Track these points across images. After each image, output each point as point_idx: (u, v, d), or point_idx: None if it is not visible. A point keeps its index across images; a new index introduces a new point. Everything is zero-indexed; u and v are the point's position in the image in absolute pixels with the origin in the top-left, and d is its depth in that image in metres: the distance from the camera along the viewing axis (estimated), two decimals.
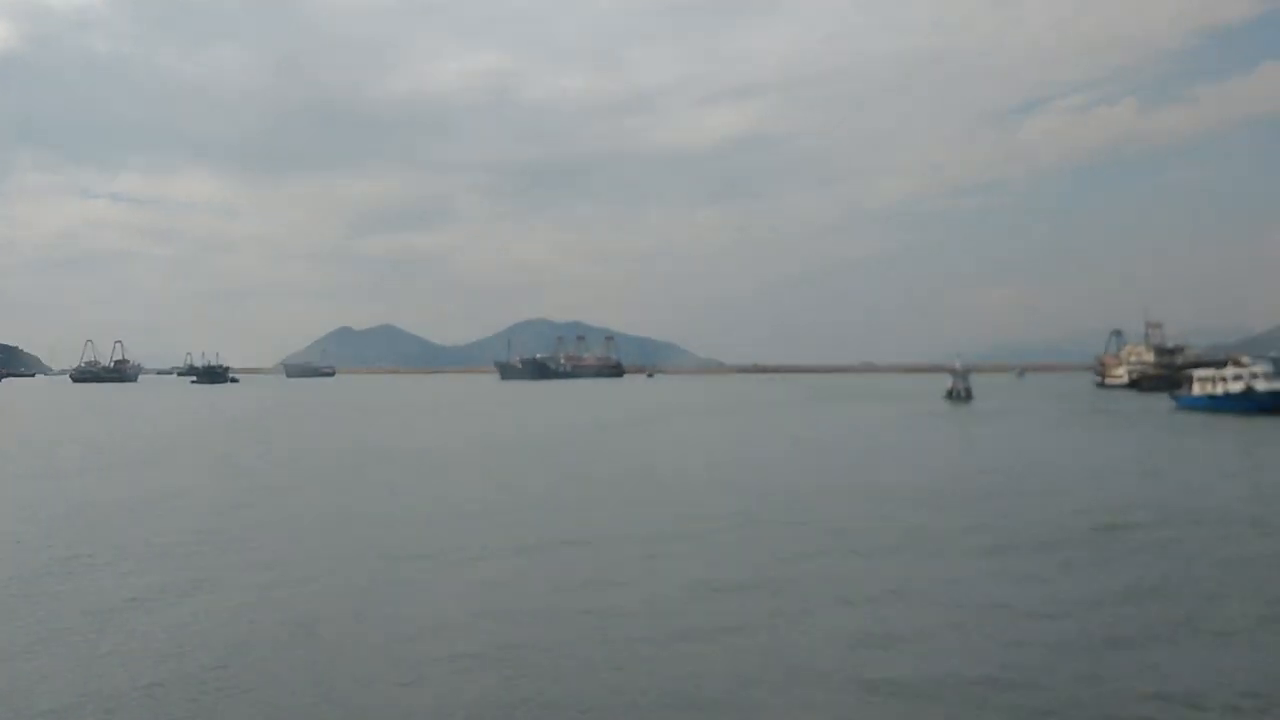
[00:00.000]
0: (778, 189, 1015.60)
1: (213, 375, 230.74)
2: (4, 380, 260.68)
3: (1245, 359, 79.33)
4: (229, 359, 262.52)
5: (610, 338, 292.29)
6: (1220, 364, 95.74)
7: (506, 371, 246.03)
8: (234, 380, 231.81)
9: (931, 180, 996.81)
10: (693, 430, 66.26)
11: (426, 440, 56.44)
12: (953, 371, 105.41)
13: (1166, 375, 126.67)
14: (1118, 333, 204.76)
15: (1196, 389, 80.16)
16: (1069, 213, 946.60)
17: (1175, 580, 18.76)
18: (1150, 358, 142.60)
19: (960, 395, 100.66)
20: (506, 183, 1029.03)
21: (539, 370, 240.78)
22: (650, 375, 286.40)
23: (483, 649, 14.63)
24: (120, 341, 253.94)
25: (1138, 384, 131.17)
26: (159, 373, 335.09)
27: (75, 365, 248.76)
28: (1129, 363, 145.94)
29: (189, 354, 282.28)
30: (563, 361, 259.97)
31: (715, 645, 14.74)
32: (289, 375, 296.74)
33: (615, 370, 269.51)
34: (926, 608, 16.78)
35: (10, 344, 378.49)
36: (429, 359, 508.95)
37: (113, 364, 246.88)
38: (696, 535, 24.11)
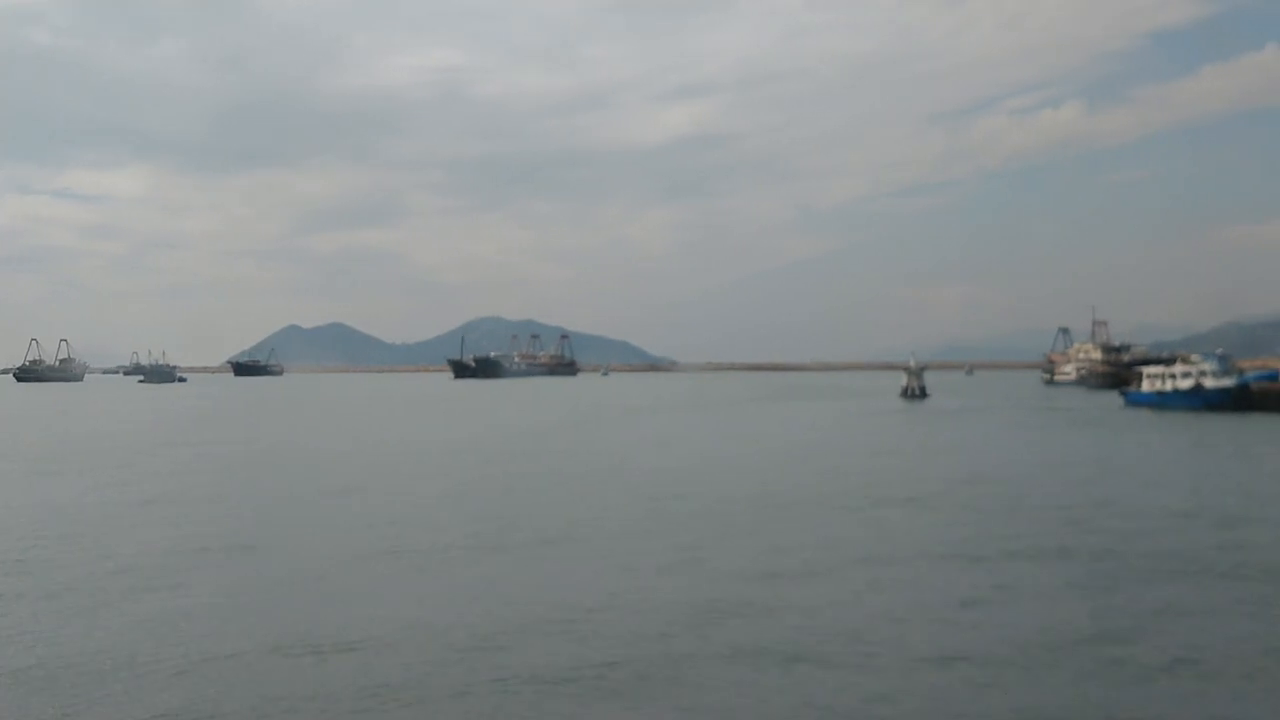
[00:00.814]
0: (732, 187, 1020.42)
1: (160, 375, 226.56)
2: None
3: (1195, 357, 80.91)
4: (176, 358, 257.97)
5: (565, 336, 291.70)
6: (1169, 361, 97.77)
7: (460, 370, 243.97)
8: (182, 380, 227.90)
9: (883, 180, 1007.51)
10: (660, 429, 65.98)
11: (377, 441, 55.66)
12: (908, 369, 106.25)
13: (1113, 373, 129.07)
14: (1065, 330, 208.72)
15: (1146, 386, 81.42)
16: (1017, 213, 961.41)
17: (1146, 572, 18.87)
18: (1097, 355, 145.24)
19: (915, 393, 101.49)
20: (459, 179, 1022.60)
21: (493, 369, 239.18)
22: (605, 373, 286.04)
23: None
24: (66, 340, 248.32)
25: (1085, 381, 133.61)
26: (105, 372, 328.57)
27: (19, 364, 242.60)
28: (1077, 360, 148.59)
29: (135, 353, 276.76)
30: (517, 360, 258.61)
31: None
32: (237, 374, 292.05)
33: (570, 368, 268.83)
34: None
35: None
36: (379, 358, 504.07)
37: (58, 363, 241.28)
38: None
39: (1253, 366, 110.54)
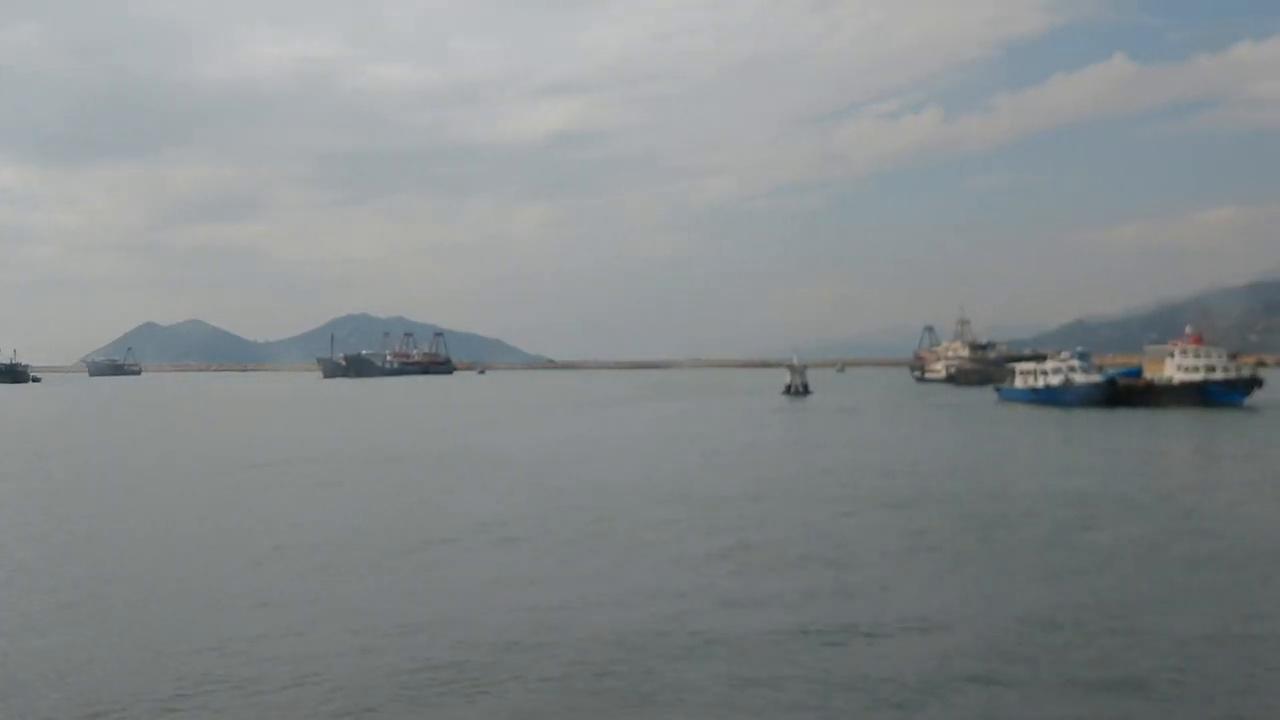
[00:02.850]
0: (606, 185, 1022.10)
1: (13, 374, 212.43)
2: None
3: (1065, 354, 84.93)
4: (28, 356, 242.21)
5: (439, 334, 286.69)
6: (1038, 359, 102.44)
7: (329, 369, 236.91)
8: (36, 380, 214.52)
9: (755, 180, 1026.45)
10: (573, 430, 65.28)
11: (253, 450, 53.45)
12: (791, 367, 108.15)
13: (981, 370, 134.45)
14: (930, 329, 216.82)
15: (1019, 382, 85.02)
16: (883, 214, 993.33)
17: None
18: (965, 353, 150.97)
19: (798, 390, 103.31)
20: (327, 173, 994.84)
21: (364, 367, 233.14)
22: (482, 372, 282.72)
23: None
24: None
25: (955, 378, 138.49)
26: None
27: None
28: (946, 358, 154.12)
29: None
30: (389, 359, 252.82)
31: None
32: (92, 374, 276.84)
33: (445, 367, 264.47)
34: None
35: None
36: (241, 356, 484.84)
37: None
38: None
39: (1114, 363, 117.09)
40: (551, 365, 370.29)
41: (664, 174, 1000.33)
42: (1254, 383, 72.93)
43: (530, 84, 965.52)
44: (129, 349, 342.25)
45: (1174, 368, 75.27)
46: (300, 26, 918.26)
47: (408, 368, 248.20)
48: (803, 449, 45.85)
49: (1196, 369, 73.74)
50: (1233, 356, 77.25)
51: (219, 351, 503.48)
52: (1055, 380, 79.26)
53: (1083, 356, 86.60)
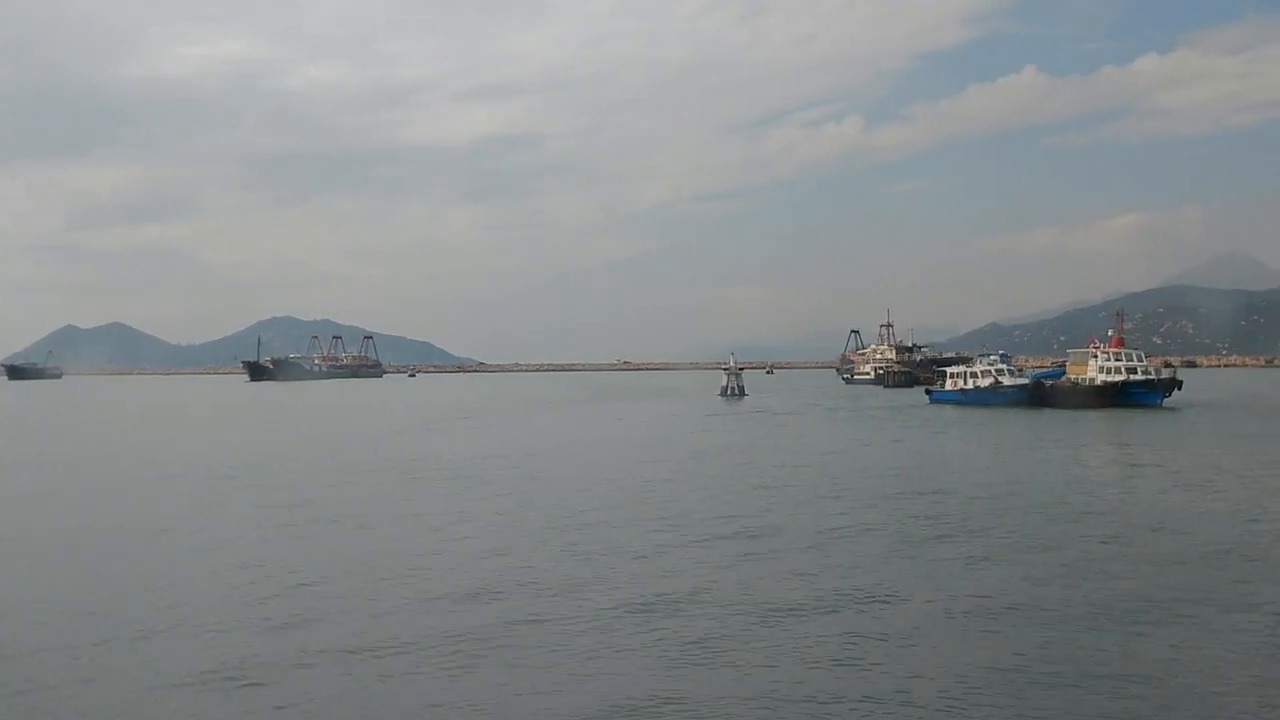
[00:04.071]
0: (538, 189, 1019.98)
1: None
2: None
3: (994, 356, 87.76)
4: None
5: (369, 337, 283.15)
6: (964, 360, 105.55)
7: (256, 372, 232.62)
8: None
9: (686, 185, 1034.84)
10: (520, 432, 65.55)
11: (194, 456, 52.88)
12: (727, 369, 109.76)
13: (908, 372, 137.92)
14: (855, 332, 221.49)
15: (949, 384, 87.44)
16: (809, 220, 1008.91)
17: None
18: (892, 355, 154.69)
19: (734, 392, 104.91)
20: (255, 174, 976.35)
21: (292, 371, 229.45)
22: (412, 375, 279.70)
23: None
24: None
25: (883, 380, 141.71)
26: None
27: None
28: (874, 361, 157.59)
29: None
30: (317, 362, 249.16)
31: None
32: (10, 377, 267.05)
33: (375, 370, 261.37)
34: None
35: None
36: (165, 359, 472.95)
37: None
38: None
39: (1028, 365, 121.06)
40: (483, 368, 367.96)
41: (595, 179, 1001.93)
42: (1173, 384, 76.31)
43: (462, 87, 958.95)
44: (49, 352, 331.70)
45: (1096, 370, 78.24)
46: (226, 26, 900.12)
47: (336, 371, 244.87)
48: (778, 453, 46.73)
49: (1118, 371, 76.78)
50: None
51: (141, 355, 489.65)
52: (984, 382, 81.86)
53: (1005, 359, 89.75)
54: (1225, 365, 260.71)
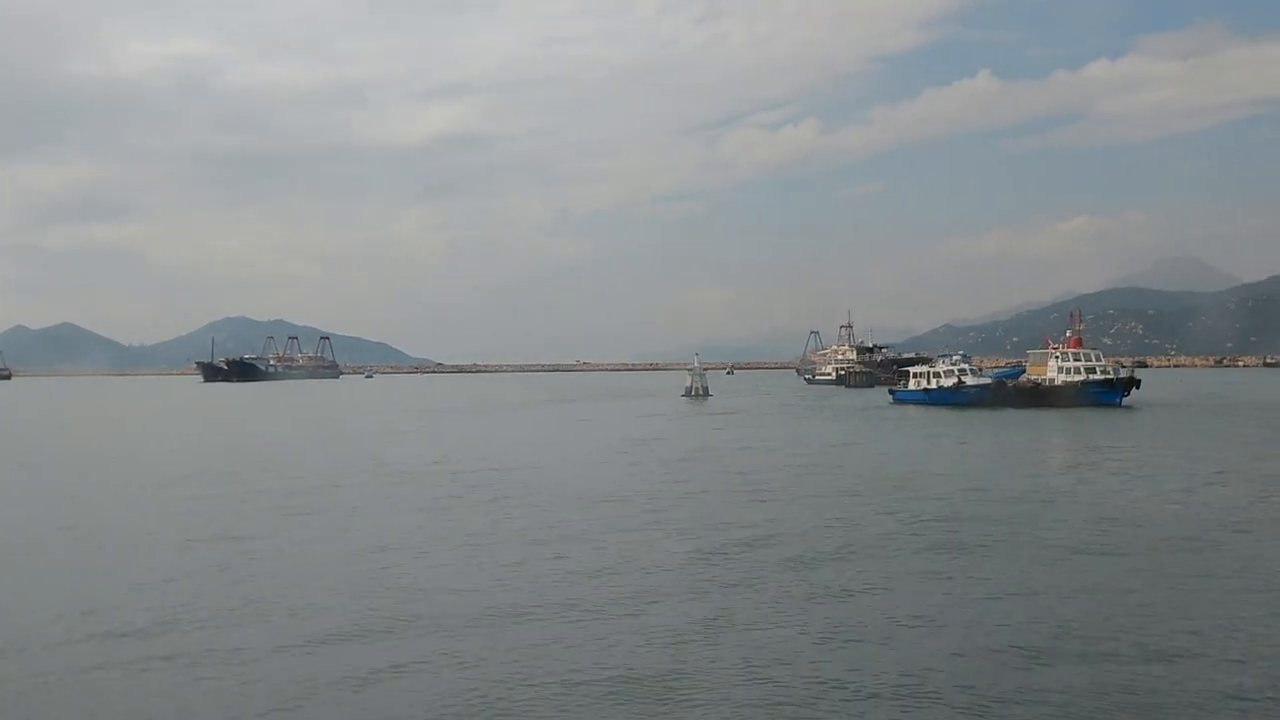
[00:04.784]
0: (494, 189, 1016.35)
1: None
2: None
3: (956, 356, 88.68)
4: None
5: (326, 338, 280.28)
6: (924, 361, 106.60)
7: (210, 373, 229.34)
8: None
9: (643, 186, 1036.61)
10: (499, 434, 65.06)
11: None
12: (691, 370, 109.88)
13: (870, 372, 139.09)
14: (815, 333, 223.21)
15: (912, 384, 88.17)
16: (766, 221, 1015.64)
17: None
18: (853, 356, 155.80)
19: (699, 393, 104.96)
20: (206, 173, 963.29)
21: (247, 371, 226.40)
22: (369, 376, 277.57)
23: None
24: None
25: (844, 380, 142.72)
26: None
27: None
28: (836, 361, 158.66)
29: None
30: (273, 362, 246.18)
31: None
32: None
33: (332, 371, 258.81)
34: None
35: None
36: (117, 360, 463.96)
37: None
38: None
39: (994, 365, 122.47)
40: (440, 369, 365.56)
41: (552, 178, 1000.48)
42: (1132, 383, 77.63)
43: (418, 86, 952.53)
44: None
45: (1056, 370, 79.36)
46: (178, 24, 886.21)
47: (292, 371, 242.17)
48: (762, 455, 46.77)
49: (1078, 370, 77.94)
50: None
51: (93, 356, 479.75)
52: (948, 382, 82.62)
53: (965, 359, 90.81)
54: (1175, 365, 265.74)
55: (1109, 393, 76.19)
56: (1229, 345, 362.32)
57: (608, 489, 32.24)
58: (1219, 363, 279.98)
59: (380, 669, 13.96)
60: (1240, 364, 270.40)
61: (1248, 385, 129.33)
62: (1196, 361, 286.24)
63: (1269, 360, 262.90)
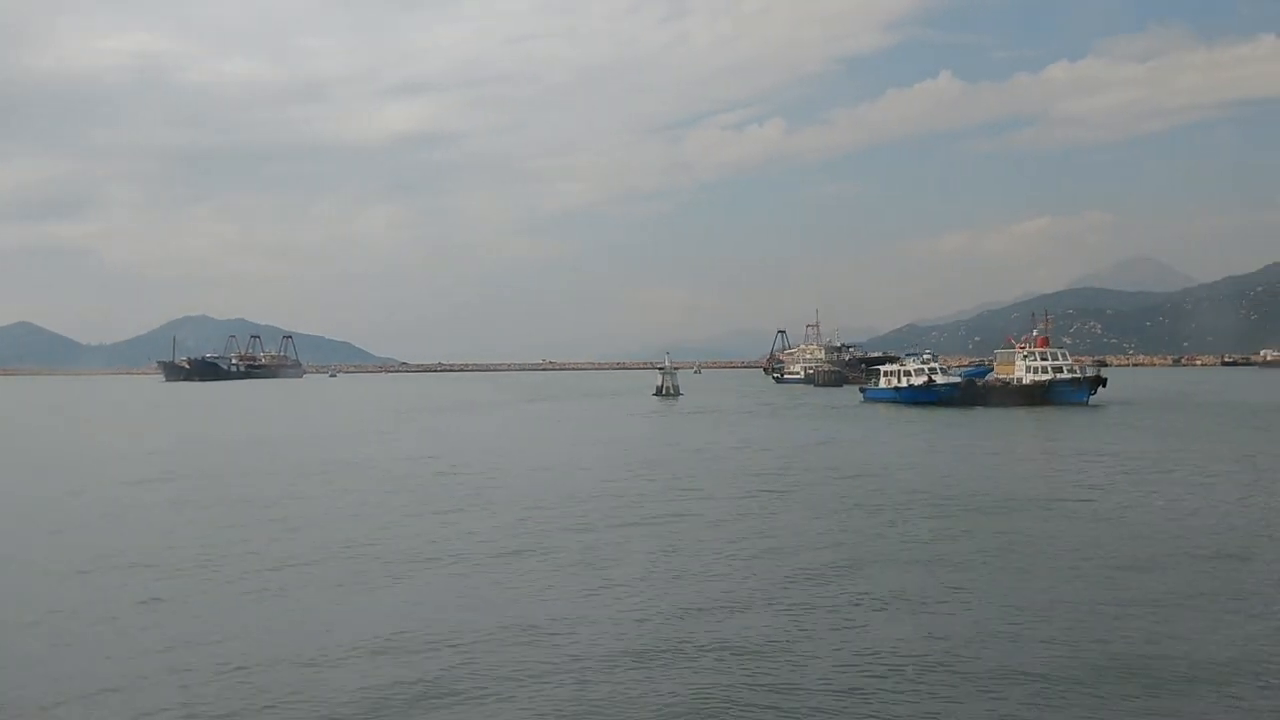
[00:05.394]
0: (457, 187, 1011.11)
1: None
2: None
3: (927, 354, 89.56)
4: None
5: (288, 336, 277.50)
6: (892, 360, 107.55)
7: (172, 372, 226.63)
8: None
9: (607, 185, 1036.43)
10: (497, 433, 64.73)
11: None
12: (662, 370, 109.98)
13: (838, 371, 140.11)
14: (783, 332, 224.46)
15: (883, 383, 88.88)
16: (728, 222, 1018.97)
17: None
18: (822, 355, 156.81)
19: (670, 392, 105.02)
20: (165, 170, 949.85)
21: (210, 371, 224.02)
22: (333, 375, 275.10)
23: None
24: None
25: (813, 379, 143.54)
26: None
27: None
28: (805, 360, 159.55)
29: None
30: (235, 362, 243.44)
31: None
32: None
33: (295, 370, 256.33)
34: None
35: None
36: (74, 359, 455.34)
37: None
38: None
39: (960, 364, 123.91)
40: (405, 369, 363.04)
41: (515, 177, 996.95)
42: (1098, 382, 78.87)
43: (378, 83, 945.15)
44: None
45: (1024, 369, 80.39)
46: (136, 18, 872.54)
47: (255, 371, 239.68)
48: (746, 454, 46.88)
49: (1045, 370, 79.01)
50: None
51: (52, 356, 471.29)
52: (919, 381, 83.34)
53: (934, 358, 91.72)
54: (1134, 365, 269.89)
55: (1077, 391, 77.29)
56: (1186, 345, 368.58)
57: (642, 496, 32.15)
58: (1177, 361, 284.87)
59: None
60: (1198, 363, 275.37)
61: (1208, 384, 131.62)
62: (1155, 360, 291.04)
63: (1226, 359, 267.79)
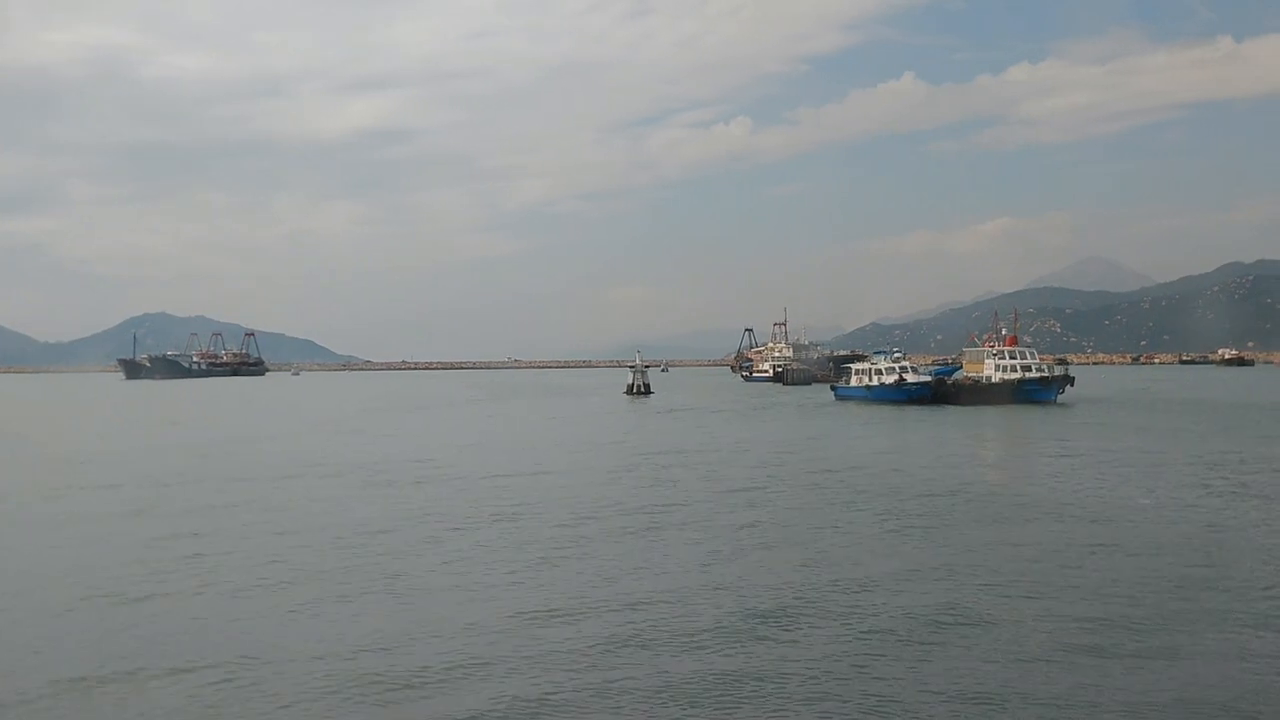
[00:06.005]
0: (417, 183, 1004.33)
1: None
2: None
3: (898, 353, 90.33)
4: None
5: (251, 334, 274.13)
6: (860, 358, 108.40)
7: (132, 370, 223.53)
8: None
9: (568, 183, 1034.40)
10: (467, 431, 64.26)
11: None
12: (633, 368, 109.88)
13: (806, 369, 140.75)
14: (750, 330, 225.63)
15: (854, 381, 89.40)
16: (693, 220, 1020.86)
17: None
18: (789, 353, 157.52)
19: (640, 390, 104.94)
20: (122, 166, 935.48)
21: (170, 369, 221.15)
22: (296, 373, 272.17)
23: None
24: None
25: (782, 377, 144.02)
26: None
27: None
28: (773, 358, 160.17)
29: None
30: (196, 360, 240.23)
31: None
32: None
33: (257, 368, 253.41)
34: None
35: None
36: (29, 357, 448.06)
37: None
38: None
39: (926, 362, 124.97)
40: (369, 366, 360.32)
41: (477, 174, 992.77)
42: (1066, 380, 79.88)
43: (339, 79, 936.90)
44: None
45: (993, 367, 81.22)
46: (93, 12, 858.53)
47: (217, 369, 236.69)
48: (733, 453, 46.88)
49: (1014, 368, 79.88)
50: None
51: (7, 353, 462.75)
52: (890, 379, 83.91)
53: (904, 356, 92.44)
54: (1094, 363, 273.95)
55: (1045, 390, 78.23)
56: (1143, 344, 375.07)
57: (650, 500, 32.11)
58: (1135, 360, 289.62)
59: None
60: (1156, 361, 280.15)
61: (1169, 382, 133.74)
62: (1114, 359, 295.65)
63: (1184, 357, 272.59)
